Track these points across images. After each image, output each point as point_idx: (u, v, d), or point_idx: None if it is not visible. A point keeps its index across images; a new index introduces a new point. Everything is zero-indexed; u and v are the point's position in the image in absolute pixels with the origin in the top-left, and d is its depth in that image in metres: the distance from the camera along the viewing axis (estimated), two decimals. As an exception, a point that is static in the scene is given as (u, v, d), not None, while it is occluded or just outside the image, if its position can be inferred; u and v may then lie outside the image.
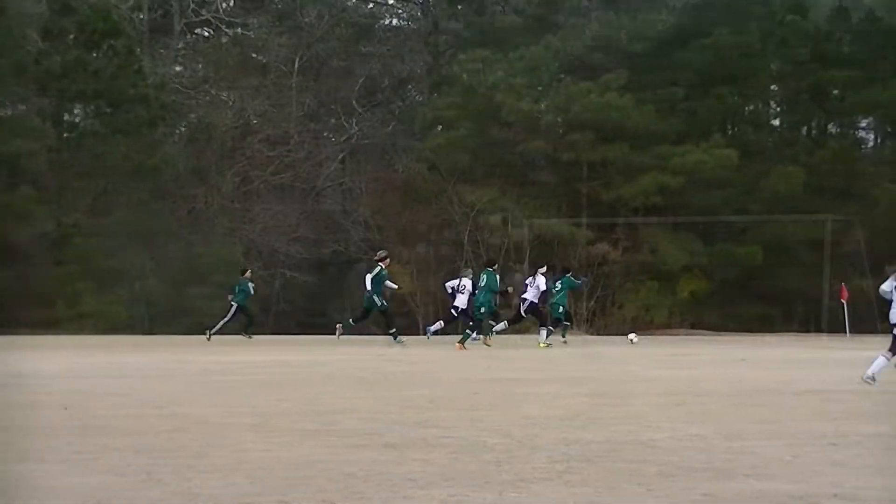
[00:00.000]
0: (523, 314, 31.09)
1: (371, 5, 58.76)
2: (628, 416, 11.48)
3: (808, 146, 50.56)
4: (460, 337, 27.51)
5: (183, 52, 52.99)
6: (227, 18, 52.01)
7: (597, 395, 13.80)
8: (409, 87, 58.66)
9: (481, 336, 28.94)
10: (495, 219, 44.57)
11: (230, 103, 50.78)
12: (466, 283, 31.92)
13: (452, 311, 32.22)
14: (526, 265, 44.03)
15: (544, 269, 31.18)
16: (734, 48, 46.45)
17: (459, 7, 52.51)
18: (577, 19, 44.44)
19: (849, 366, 20.04)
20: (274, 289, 47.19)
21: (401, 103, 57.99)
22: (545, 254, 45.02)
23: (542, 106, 45.18)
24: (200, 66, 53.16)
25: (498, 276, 30.16)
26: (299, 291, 49.33)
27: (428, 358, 22.16)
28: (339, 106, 52.77)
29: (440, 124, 48.40)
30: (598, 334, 41.29)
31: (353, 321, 30.46)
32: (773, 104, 56.42)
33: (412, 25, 58.61)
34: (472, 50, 45.71)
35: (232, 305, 32.69)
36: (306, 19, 52.52)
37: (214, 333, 31.61)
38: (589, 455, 8.73)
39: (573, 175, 47.00)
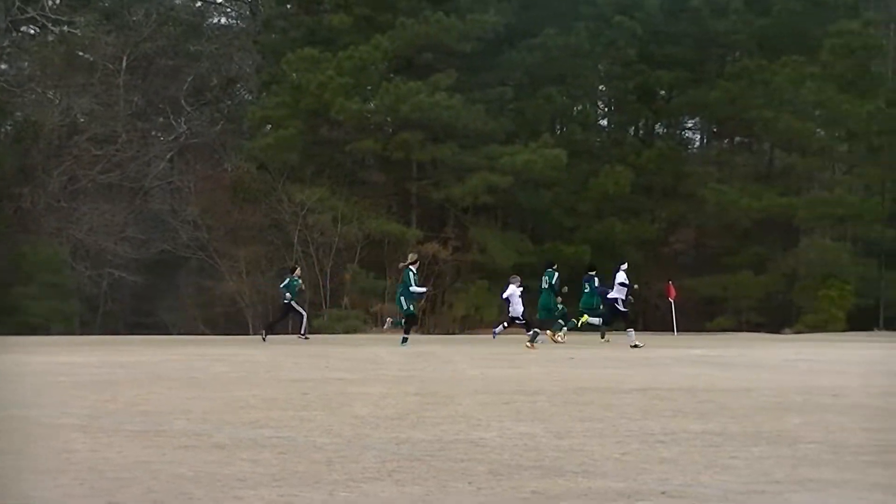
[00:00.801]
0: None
1: (199, 4, 58.28)
2: (457, 415, 11.52)
3: (636, 146, 51.66)
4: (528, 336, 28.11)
5: (8, 49, 51.62)
6: (53, 16, 50.77)
7: (426, 395, 13.83)
8: (239, 86, 58.21)
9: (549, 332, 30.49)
10: (325, 218, 44.44)
11: (56, 102, 49.78)
12: (515, 290, 32.08)
13: (512, 318, 32.18)
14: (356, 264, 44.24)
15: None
16: (562, 48, 46.83)
17: (288, 6, 52.25)
18: (406, 19, 44.50)
19: (676, 364, 20.73)
20: (102, 289, 46.63)
21: (230, 102, 57.55)
22: (375, 253, 45.22)
23: (372, 105, 45.14)
24: (26, 64, 51.91)
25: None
26: (127, 291, 48.63)
27: (258, 358, 21.97)
28: (168, 105, 52.14)
29: (269, 123, 48.06)
30: (428, 333, 41.47)
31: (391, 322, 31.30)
32: (601, 104, 57.50)
33: (241, 24, 58.30)
34: (302, 49, 45.46)
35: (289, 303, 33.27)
36: (134, 17, 51.69)
37: (303, 334, 32.94)
38: (419, 454, 8.77)
39: (403, 174, 47.14)
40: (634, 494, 7.17)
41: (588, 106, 55.45)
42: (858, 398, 14.01)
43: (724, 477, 7.89)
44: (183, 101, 51.41)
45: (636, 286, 31.57)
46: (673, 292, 38.89)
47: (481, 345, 30.10)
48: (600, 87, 54.93)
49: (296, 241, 44.93)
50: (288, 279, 33.94)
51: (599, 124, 57.23)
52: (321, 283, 44.40)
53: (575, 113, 53.87)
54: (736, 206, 47.89)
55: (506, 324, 33.00)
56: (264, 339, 31.92)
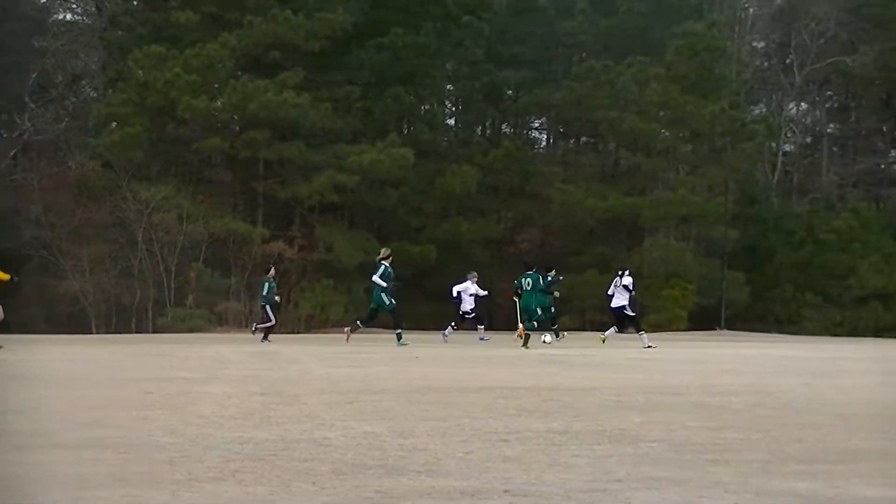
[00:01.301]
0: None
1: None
2: (301, 415, 11.46)
3: (483, 146, 52.13)
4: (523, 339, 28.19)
5: None
6: None
7: (270, 394, 13.76)
8: (84, 82, 57.18)
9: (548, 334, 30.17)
10: (170, 216, 43.99)
11: None
12: (470, 287, 32.36)
13: (461, 315, 32.80)
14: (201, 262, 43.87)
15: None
16: (410, 48, 47.04)
17: (135, 2, 51.62)
18: (254, 17, 44.26)
19: (521, 363, 20.73)
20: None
21: (75, 99, 56.48)
22: (221, 252, 44.89)
23: (219, 103, 44.77)
24: None
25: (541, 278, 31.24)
26: (-34, 289, 47.53)
27: (100, 358, 21.67)
28: (11, 102, 51.03)
29: (115, 121, 47.26)
30: (274, 333, 41.31)
31: (360, 323, 30.14)
32: (448, 104, 57.90)
33: (87, 20, 57.37)
34: (148, 46, 44.92)
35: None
36: (-25, 13, 50.59)
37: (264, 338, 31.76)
38: (262, 454, 8.73)
39: (250, 173, 46.84)
40: (478, 493, 7.18)
41: (435, 105, 55.82)
42: (700, 397, 14.04)
43: (567, 475, 7.89)
44: (27, 98, 50.36)
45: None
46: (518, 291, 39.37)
47: (327, 344, 29.94)
48: (448, 87, 55.35)
49: (140, 239, 44.38)
50: (265, 283, 33.42)
51: (446, 124, 57.70)
52: (165, 282, 44.01)
53: (422, 112, 54.14)
54: (581, 205, 48.69)
55: (454, 325, 33.33)
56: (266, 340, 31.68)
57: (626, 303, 29.74)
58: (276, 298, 33.42)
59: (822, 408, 12.97)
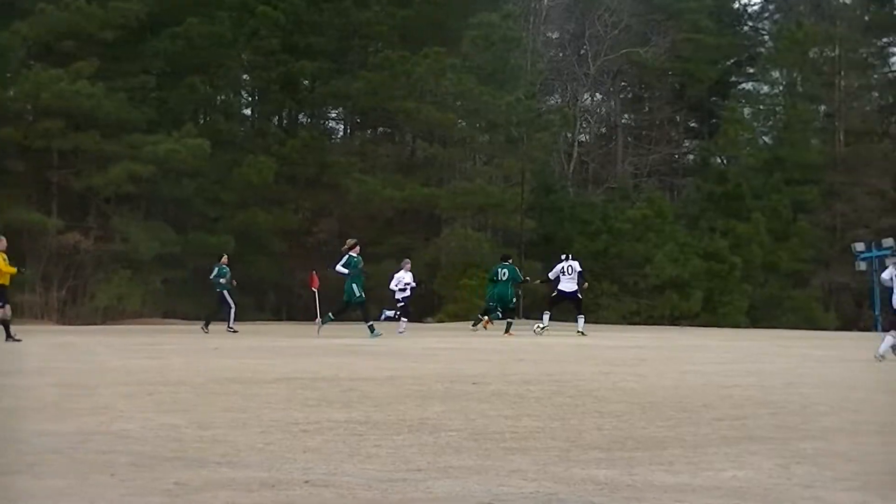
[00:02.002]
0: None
1: None
2: (98, 407, 11.31)
3: (280, 136, 52.13)
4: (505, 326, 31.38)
5: None
6: None
7: (66, 386, 13.60)
8: None
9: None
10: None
11: None
12: (404, 276, 32.40)
13: (400, 303, 32.53)
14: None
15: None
16: (205, 37, 46.99)
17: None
18: (46, 5, 43.78)
19: (320, 353, 20.82)
20: None
21: None
22: (13, 244, 44.29)
23: (11, 93, 44.19)
24: None
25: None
26: None
27: None
28: None
29: None
30: (70, 324, 41.08)
31: (332, 315, 29.73)
32: (244, 94, 57.75)
33: None
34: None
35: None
36: None
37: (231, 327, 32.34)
38: (59, 446, 8.64)
39: (43, 163, 46.02)
40: (278, 484, 7.22)
41: (231, 96, 55.61)
42: (498, 386, 14.11)
43: (367, 465, 7.97)
44: None
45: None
46: (316, 282, 39.73)
47: (123, 335, 29.63)
48: (244, 77, 55.18)
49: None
50: (217, 268, 33.48)
51: (243, 114, 57.52)
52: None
53: (218, 102, 54.02)
54: (378, 196, 48.96)
55: (393, 313, 33.09)
56: (205, 331, 31.73)
57: (577, 287, 31.66)
58: (234, 283, 33.87)
59: (620, 396, 13.20)
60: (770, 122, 67.53)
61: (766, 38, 74.29)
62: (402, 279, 32.79)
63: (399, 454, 8.53)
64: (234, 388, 13.70)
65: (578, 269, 31.63)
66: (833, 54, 66.99)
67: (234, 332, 32.08)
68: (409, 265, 33.73)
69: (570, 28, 65.22)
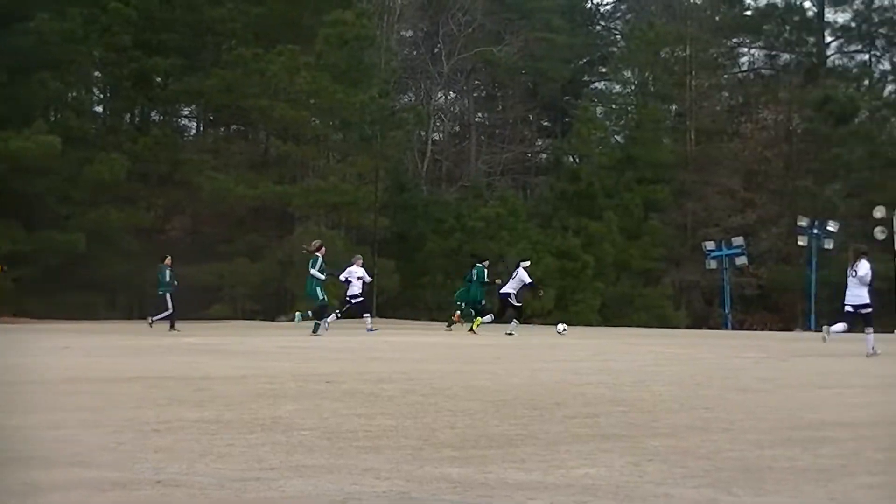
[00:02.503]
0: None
1: None
2: None
3: (132, 133, 51.81)
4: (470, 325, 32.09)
5: None
6: None
7: None
8: None
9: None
10: None
11: None
12: (356, 270, 32.15)
13: (347, 299, 32.53)
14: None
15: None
16: (56, 33, 46.41)
17: None
18: None
19: (172, 352, 20.56)
20: None
21: None
22: None
23: None
24: None
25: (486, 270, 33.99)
26: None
27: None
28: None
29: None
30: None
31: (326, 322, 30.11)
32: (96, 91, 57.18)
33: None
34: None
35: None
36: None
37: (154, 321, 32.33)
38: None
39: None
40: (130, 484, 7.19)
41: (83, 92, 54.73)
42: (352, 384, 14.17)
43: (219, 465, 7.99)
44: None
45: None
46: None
47: None
48: (95, 74, 54.62)
49: None
50: (165, 270, 33.19)
51: (94, 111, 56.90)
52: None
53: (69, 99, 53.11)
54: (231, 193, 48.85)
55: (339, 312, 33.06)
56: (173, 329, 31.77)
57: (513, 291, 32.27)
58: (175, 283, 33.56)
59: (473, 394, 13.21)
60: (622, 122, 68.62)
61: (619, 37, 75.99)
62: (354, 273, 32.89)
63: (252, 453, 8.54)
64: (85, 387, 13.57)
65: (523, 276, 32.27)
66: (684, 54, 68.58)
67: (150, 326, 32.26)
68: (360, 260, 34.06)
69: (423, 27, 65.96)
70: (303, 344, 24.47)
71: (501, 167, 66.61)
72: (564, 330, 32.02)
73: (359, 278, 32.88)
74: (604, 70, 74.20)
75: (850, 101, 66.54)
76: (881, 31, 77.87)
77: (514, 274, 32.63)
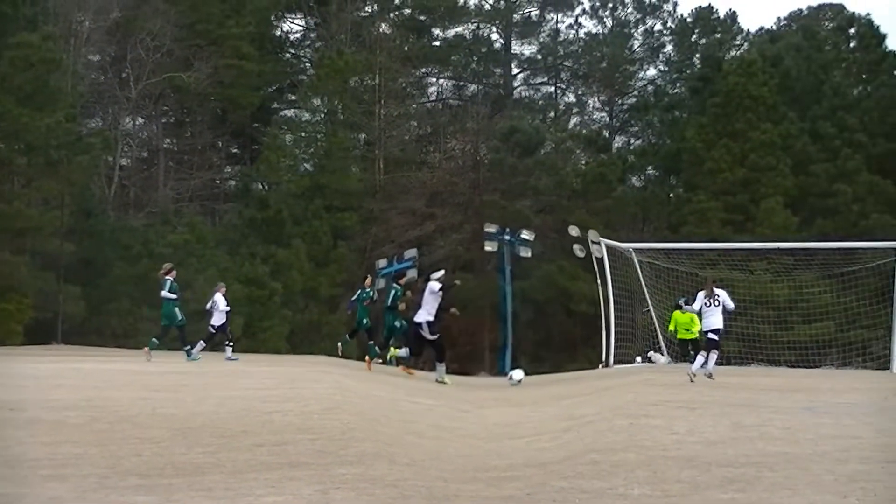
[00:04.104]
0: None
1: None
2: None
3: None
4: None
5: None
6: None
7: None
8: None
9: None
10: None
11: None
12: (220, 299, 32.18)
13: (210, 328, 32.58)
14: None
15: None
16: None
17: None
18: None
19: None
20: None
21: None
22: None
23: None
24: None
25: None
26: None
27: None
28: None
29: None
30: None
31: (157, 340, 30.74)
32: None
33: None
34: None
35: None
36: None
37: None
38: None
39: None
40: None
41: None
42: (35, 412, 14.09)
43: None
44: None
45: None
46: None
47: None
48: None
49: None
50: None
51: None
52: None
53: None
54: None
55: (203, 342, 32.80)
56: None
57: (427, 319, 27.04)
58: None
59: (160, 422, 13.39)
60: (311, 149, 69.83)
61: (308, 65, 77.65)
62: (217, 303, 33.51)
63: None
64: None
65: (433, 289, 27.51)
66: (373, 83, 70.75)
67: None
68: (223, 288, 34.71)
69: (111, 51, 66.06)
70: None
71: (190, 193, 67.03)
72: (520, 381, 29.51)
73: (221, 309, 33.65)
74: (293, 98, 75.64)
75: (536, 132, 70.06)
76: (566, 63, 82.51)
77: (424, 292, 27.74)
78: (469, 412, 19.50)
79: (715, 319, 25.52)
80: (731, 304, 25.70)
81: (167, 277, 31.51)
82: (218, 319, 33.61)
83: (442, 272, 29.05)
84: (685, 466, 10.98)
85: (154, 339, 32.14)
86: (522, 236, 48.63)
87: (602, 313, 42.90)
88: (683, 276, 44.79)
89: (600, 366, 41.63)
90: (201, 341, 32.92)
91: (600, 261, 43.07)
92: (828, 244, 46.34)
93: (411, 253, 47.61)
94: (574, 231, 45.13)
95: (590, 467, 10.81)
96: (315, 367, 31.36)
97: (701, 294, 25.88)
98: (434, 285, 27.20)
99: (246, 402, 16.82)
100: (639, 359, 42.46)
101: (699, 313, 25.85)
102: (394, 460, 10.86)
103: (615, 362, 41.41)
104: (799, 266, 47.19)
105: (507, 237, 48.62)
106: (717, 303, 25.51)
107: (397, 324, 32.67)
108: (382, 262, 50.45)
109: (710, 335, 25.67)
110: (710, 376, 24.18)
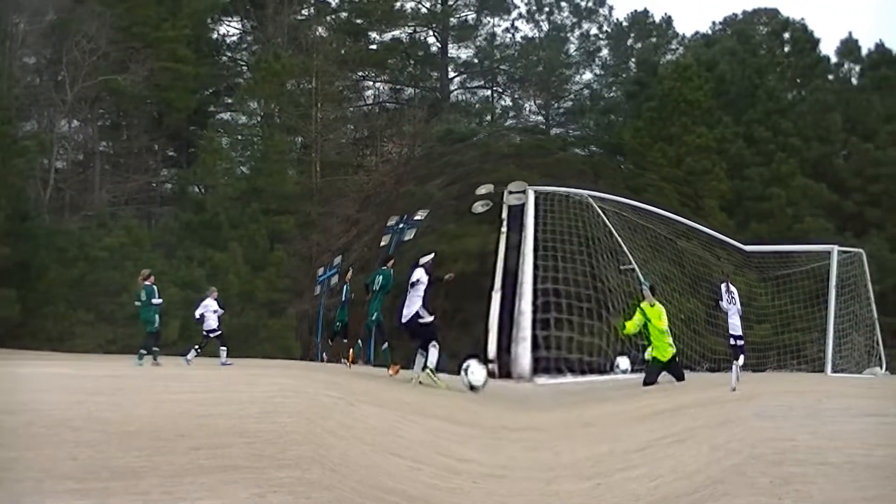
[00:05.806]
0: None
1: None
2: None
3: None
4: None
5: None
6: None
7: None
8: None
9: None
10: None
11: None
12: (211, 303, 32.33)
13: (206, 334, 33.09)
14: None
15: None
16: None
17: None
18: None
19: None
20: None
21: None
22: None
23: None
24: None
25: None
26: None
27: None
28: None
29: None
30: None
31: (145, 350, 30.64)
32: None
33: None
34: None
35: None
36: None
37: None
38: None
39: None
40: None
41: None
42: None
43: None
44: None
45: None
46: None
47: None
48: None
49: None
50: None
51: None
52: None
53: None
54: None
55: (199, 347, 33.30)
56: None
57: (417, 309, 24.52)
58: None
59: (95, 425, 13.06)
60: (248, 153, 70.11)
61: (245, 68, 77.80)
62: (209, 307, 34.00)
63: None
64: None
65: (420, 277, 24.96)
66: (310, 86, 71.18)
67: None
68: (215, 293, 35.14)
69: (47, 53, 65.91)
70: None
71: (126, 196, 66.98)
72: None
73: (214, 311, 34.21)
74: (230, 101, 75.72)
75: (472, 135, 70.99)
76: (502, 67, 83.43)
77: (410, 279, 25.03)
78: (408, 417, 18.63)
79: (737, 321, 24.22)
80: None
81: (146, 283, 32.05)
82: (212, 323, 34.25)
83: (431, 256, 25.92)
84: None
85: (155, 349, 32.84)
86: (415, 218, 46.17)
87: (498, 267, 35.92)
88: (664, 241, 39.21)
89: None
90: (194, 348, 33.90)
91: (516, 208, 36.40)
92: (763, 248, 46.35)
93: (338, 260, 48.85)
94: (484, 189, 40.65)
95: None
96: (252, 370, 31.22)
97: (724, 288, 24.02)
98: (420, 273, 24.78)
99: (182, 405, 16.61)
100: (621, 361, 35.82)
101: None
102: (333, 462, 10.92)
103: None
104: (738, 270, 47.20)
105: (400, 225, 45.65)
106: (734, 300, 24.15)
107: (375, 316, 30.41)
108: (321, 270, 51.04)
109: (739, 341, 24.32)
110: (734, 389, 20.81)
